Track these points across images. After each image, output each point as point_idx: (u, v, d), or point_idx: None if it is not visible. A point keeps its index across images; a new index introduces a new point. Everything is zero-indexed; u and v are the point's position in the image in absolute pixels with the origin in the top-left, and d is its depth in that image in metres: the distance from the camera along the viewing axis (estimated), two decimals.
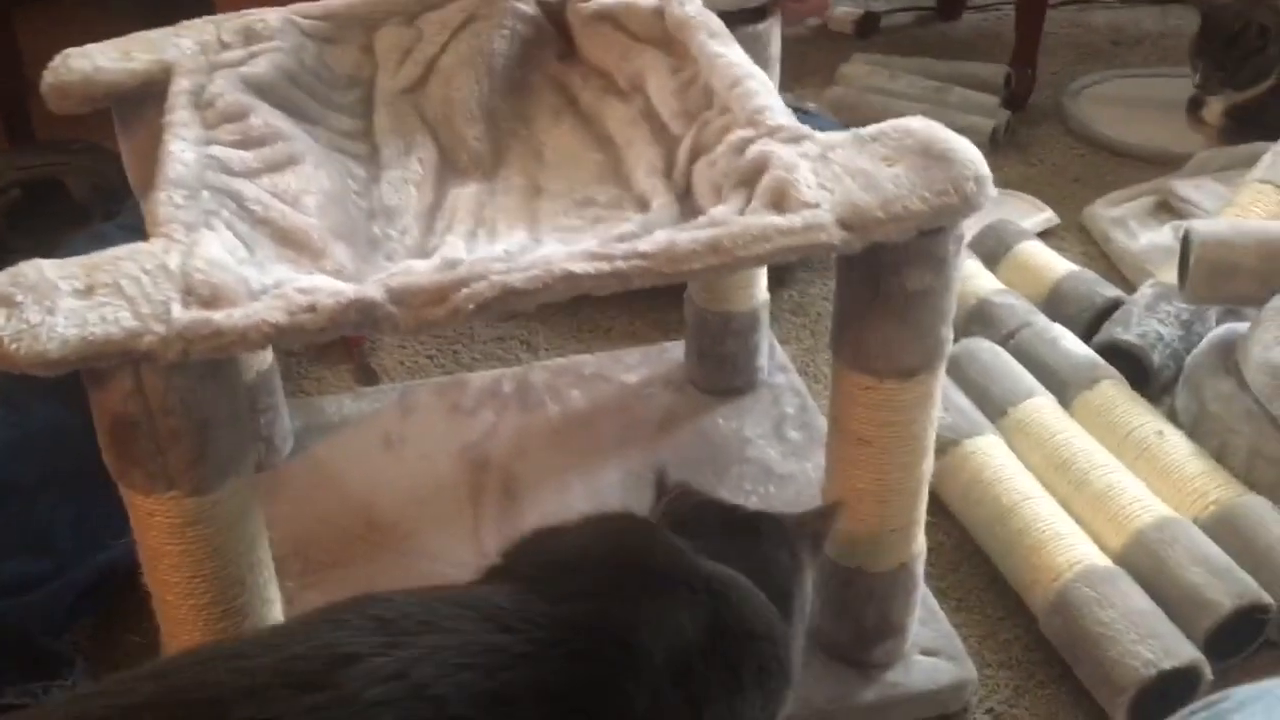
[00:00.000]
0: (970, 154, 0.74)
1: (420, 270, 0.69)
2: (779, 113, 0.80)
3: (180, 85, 0.86)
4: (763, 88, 0.82)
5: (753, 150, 0.76)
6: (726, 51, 0.87)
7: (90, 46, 0.90)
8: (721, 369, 1.22)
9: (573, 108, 0.95)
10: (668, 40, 0.93)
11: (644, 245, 0.69)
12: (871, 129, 0.77)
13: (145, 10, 1.76)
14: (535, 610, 0.60)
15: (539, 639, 0.59)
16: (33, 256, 0.68)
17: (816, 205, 0.71)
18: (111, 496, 0.73)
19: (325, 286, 0.66)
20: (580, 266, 0.68)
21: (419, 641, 0.56)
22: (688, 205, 0.79)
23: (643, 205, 0.80)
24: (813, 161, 0.74)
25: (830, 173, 0.73)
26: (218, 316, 0.64)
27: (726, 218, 0.72)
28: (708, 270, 0.69)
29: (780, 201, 0.72)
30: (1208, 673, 0.94)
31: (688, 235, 0.70)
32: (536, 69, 0.97)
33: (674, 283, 0.70)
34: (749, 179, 0.75)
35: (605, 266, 0.68)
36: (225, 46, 0.91)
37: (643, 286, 0.69)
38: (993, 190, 0.73)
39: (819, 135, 0.77)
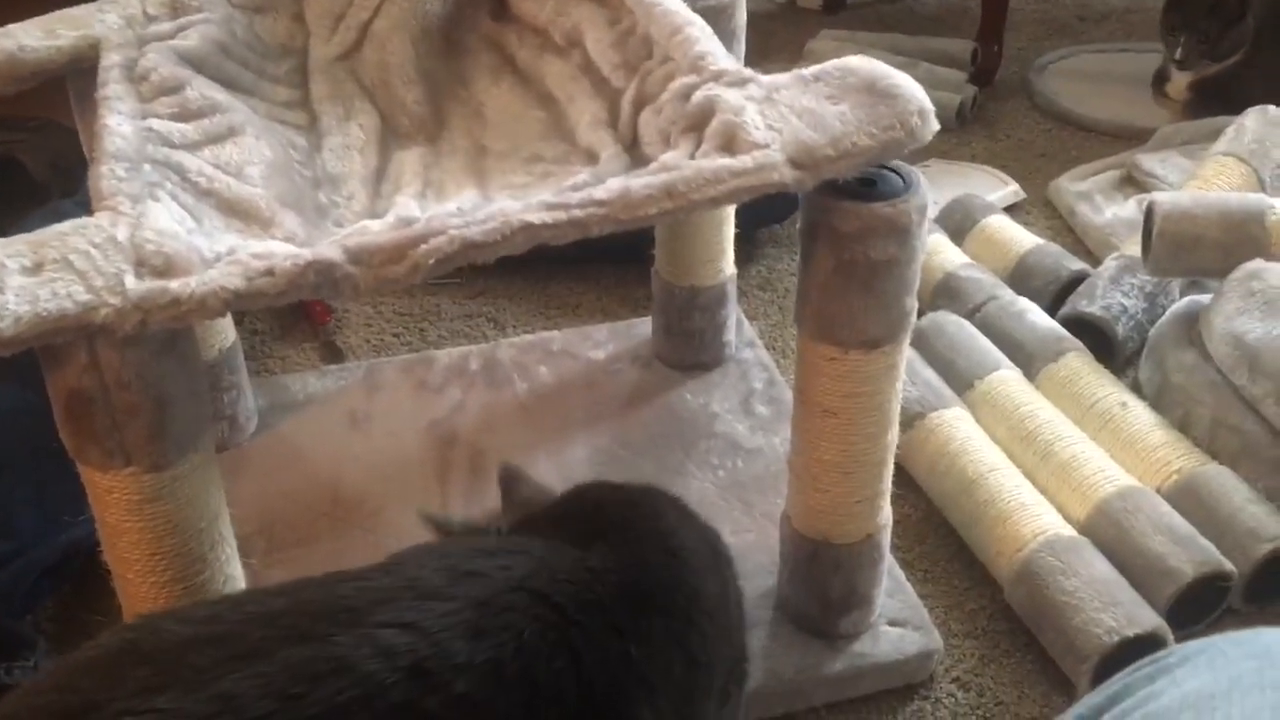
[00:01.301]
0: (913, 88, 0.74)
1: (376, 229, 0.69)
2: (721, 57, 0.80)
3: (111, 60, 0.85)
4: (703, 34, 0.82)
5: (698, 96, 0.76)
6: (663, 0, 0.86)
7: (12, 26, 0.89)
8: (689, 344, 1.22)
9: (510, 66, 0.94)
10: None
11: (599, 193, 0.69)
12: (813, 69, 0.77)
13: None
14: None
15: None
16: None
17: (767, 145, 0.71)
18: (71, 475, 0.72)
19: (281, 250, 0.66)
20: (538, 216, 0.67)
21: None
22: (636, 155, 0.79)
23: (591, 158, 0.80)
24: (759, 103, 0.74)
25: (777, 113, 0.74)
26: (174, 285, 0.63)
27: (679, 162, 0.72)
28: (664, 214, 0.69)
29: (730, 144, 0.72)
30: (1170, 640, 0.95)
31: (642, 181, 0.70)
32: (471, 30, 0.96)
33: (631, 228, 0.69)
34: (697, 124, 0.75)
35: (562, 215, 0.68)
36: (151, 19, 0.90)
37: (601, 234, 0.69)
38: (935, 123, 0.74)
39: (763, 78, 0.78)
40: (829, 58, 2.05)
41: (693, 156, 0.72)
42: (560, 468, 1.10)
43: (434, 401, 1.19)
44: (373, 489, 1.08)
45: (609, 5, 0.91)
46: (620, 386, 1.22)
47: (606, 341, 1.28)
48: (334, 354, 1.33)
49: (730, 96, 0.75)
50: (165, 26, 0.88)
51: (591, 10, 0.91)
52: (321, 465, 1.11)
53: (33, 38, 0.87)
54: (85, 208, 1.07)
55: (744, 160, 0.70)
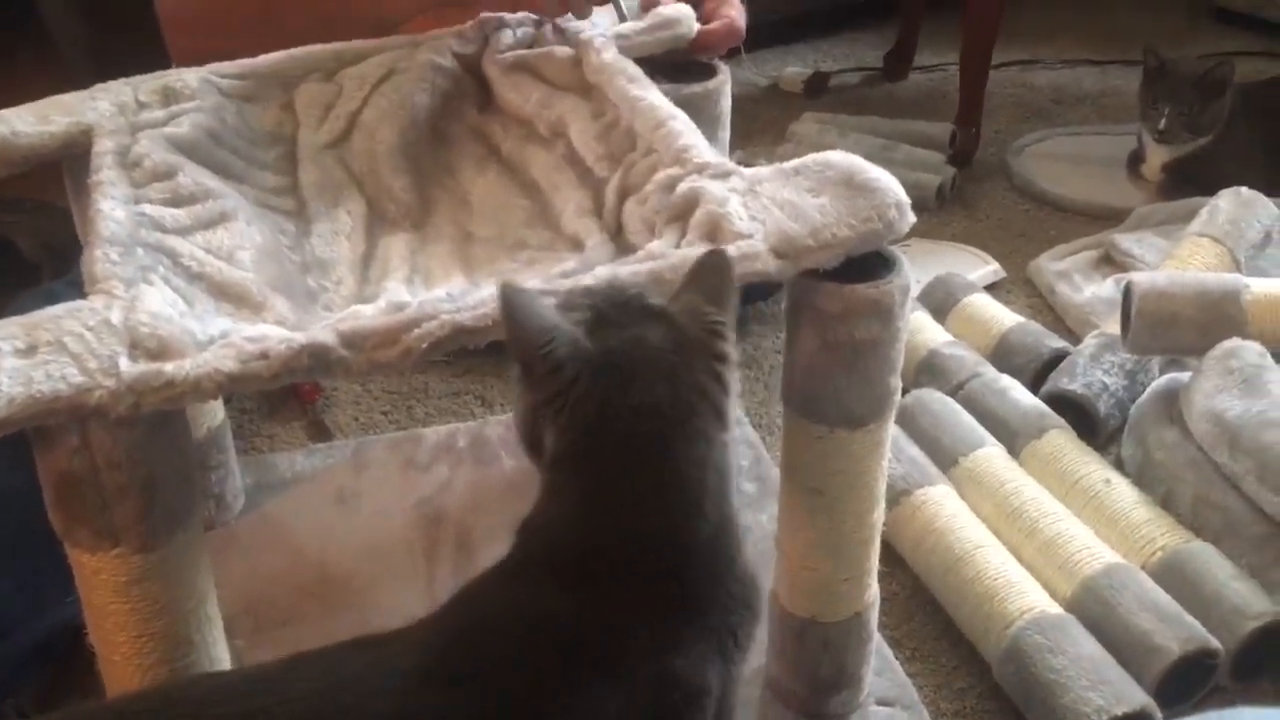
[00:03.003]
0: (890, 182, 0.76)
1: (369, 314, 0.70)
2: (704, 150, 0.82)
3: (104, 146, 0.86)
4: (686, 127, 0.84)
5: (683, 187, 0.78)
6: (646, 94, 0.89)
7: (5, 112, 0.90)
8: None
9: (496, 156, 0.96)
10: (586, 87, 0.95)
11: (588, 280, 0.71)
12: (794, 163, 0.79)
13: (100, 68, 1.77)
14: None
15: None
16: None
17: (750, 236, 0.73)
18: (57, 556, 0.72)
19: (274, 334, 0.67)
20: None
21: None
22: (621, 243, 0.80)
23: (576, 245, 0.81)
24: (742, 195, 0.76)
25: (759, 205, 0.76)
26: (168, 368, 0.64)
27: (664, 251, 0.73)
28: None
29: (715, 234, 0.74)
30: (1159, 718, 0.95)
31: (629, 269, 0.71)
32: (457, 120, 0.98)
33: None
34: (681, 214, 0.77)
35: (552, 301, 0.69)
36: (143, 107, 0.91)
37: None
38: (912, 216, 0.76)
39: (744, 170, 0.79)
40: (812, 139, 2.11)
41: (678, 246, 0.74)
42: None
43: (422, 479, 1.19)
44: (360, 568, 1.07)
45: (593, 99, 0.93)
46: None
47: None
48: (322, 432, 1.34)
49: (714, 188, 0.77)
50: (157, 114, 0.89)
51: (576, 103, 0.93)
52: (309, 544, 1.11)
53: (26, 123, 0.89)
54: (77, 289, 1.08)
55: (728, 250, 0.71)
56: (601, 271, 0.71)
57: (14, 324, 0.65)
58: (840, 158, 0.79)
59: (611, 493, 0.62)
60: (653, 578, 0.62)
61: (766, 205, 0.75)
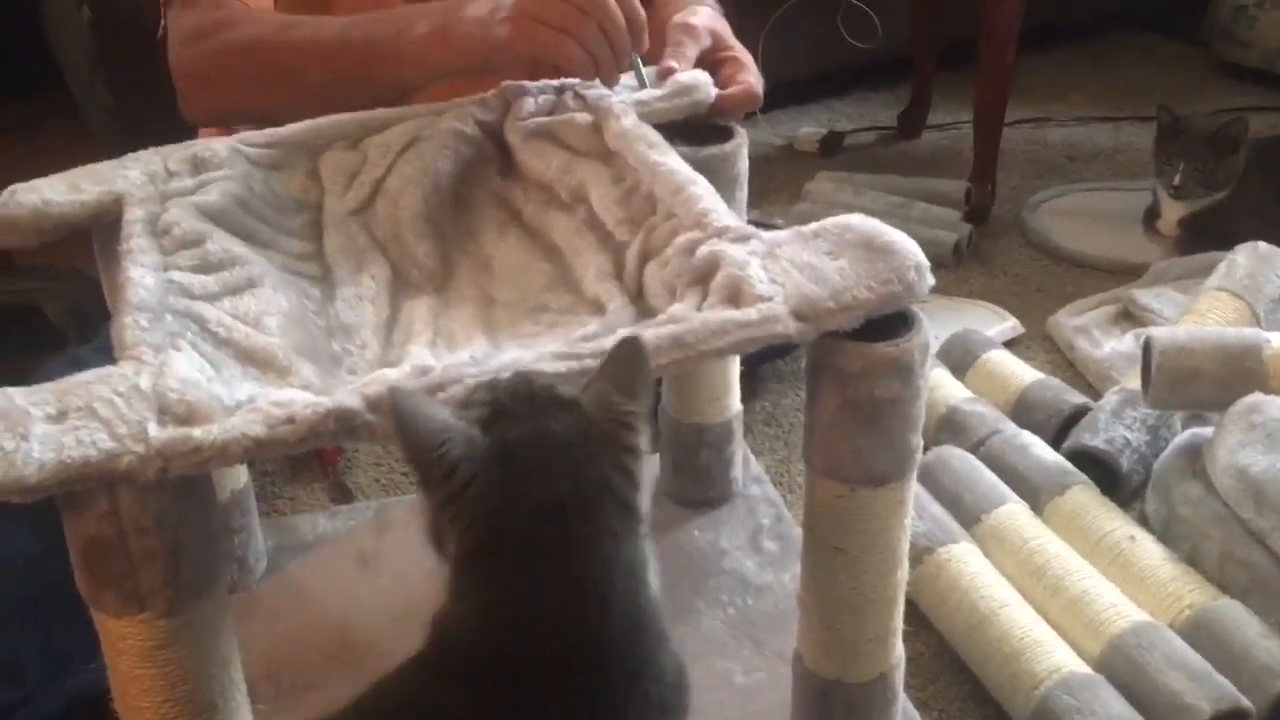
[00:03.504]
0: (909, 245, 0.76)
1: (393, 378, 0.70)
2: (724, 214, 0.83)
3: (134, 214, 0.87)
4: (705, 192, 0.85)
5: (703, 250, 0.78)
6: (666, 160, 0.90)
7: (37, 181, 0.91)
8: (697, 481, 1.23)
9: (517, 221, 0.97)
10: (606, 153, 0.96)
11: (610, 343, 0.71)
12: (812, 226, 0.80)
13: (126, 136, 1.80)
14: None
15: None
16: (7, 382, 0.69)
17: (770, 299, 0.73)
18: (80, 622, 0.72)
19: (300, 399, 0.67)
20: (551, 365, 0.69)
21: None
22: (642, 306, 0.81)
23: (597, 309, 0.82)
24: (762, 258, 0.77)
25: (779, 268, 0.76)
26: (196, 433, 0.64)
27: (686, 314, 0.73)
28: (673, 364, 0.71)
29: (735, 297, 0.74)
30: None
31: (651, 332, 0.71)
32: (479, 186, 0.99)
33: None
34: (702, 277, 0.77)
35: (575, 365, 0.69)
36: (173, 175, 0.93)
37: None
38: (931, 278, 0.76)
39: (764, 234, 0.80)
40: (827, 198, 2.12)
41: (699, 309, 0.74)
42: None
43: None
44: (382, 631, 1.07)
45: (613, 164, 0.94)
46: None
47: None
48: (343, 494, 1.34)
49: (734, 251, 0.77)
50: (187, 183, 0.91)
51: (596, 169, 0.94)
52: (331, 607, 1.10)
53: (57, 192, 0.90)
54: (104, 354, 1.10)
55: (749, 313, 0.72)
56: (623, 335, 0.72)
57: (45, 390, 0.66)
58: (859, 221, 0.79)
59: (513, 594, 0.60)
60: (558, 683, 0.60)
61: (786, 268, 0.76)
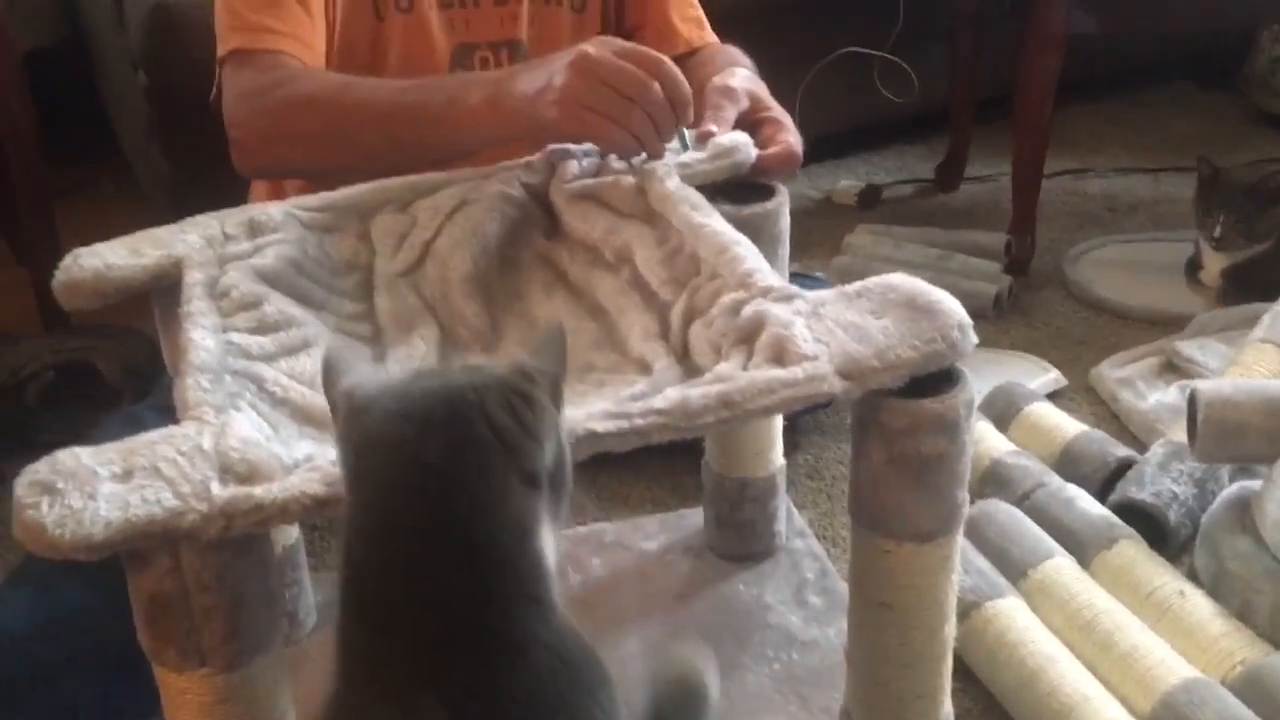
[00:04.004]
0: (952, 304, 0.78)
1: None
2: (767, 274, 0.84)
3: (194, 277, 0.90)
4: (749, 253, 0.86)
5: (748, 310, 0.80)
6: (709, 221, 0.91)
7: (99, 245, 0.94)
8: (740, 535, 1.23)
9: (563, 281, 0.99)
10: (650, 214, 0.97)
11: (659, 402, 0.72)
12: (855, 286, 0.81)
13: (179, 201, 1.84)
14: None
15: None
16: (65, 437, 0.71)
17: (815, 358, 0.74)
18: (136, 677, 0.74)
19: None
20: (601, 425, 0.71)
21: None
22: (688, 365, 0.82)
23: (643, 368, 0.83)
24: (806, 318, 0.78)
25: (824, 327, 0.77)
26: (258, 491, 0.66)
27: (732, 374, 0.75)
28: (720, 423, 0.72)
29: (780, 356, 0.75)
30: None
31: (699, 391, 0.73)
32: (526, 247, 1.01)
33: (689, 437, 0.72)
34: (748, 337, 0.79)
35: (625, 424, 0.71)
36: (230, 239, 0.95)
37: (660, 441, 0.72)
38: (974, 336, 0.77)
39: (808, 294, 0.81)
40: (867, 251, 2.13)
41: (744, 368, 0.75)
42: (614, 662, 1.09)
43: None
44: None
45: (657, 225, 0.96)
46: (673, 578, 1.22)
47: (658, 532, 1.29)
48: None
49: (778, 311, 0.78)
50: (244, 246, 0.93)
51: (640, 230, 0.96)
52: None
53: (119, 256, 0.92)
54: (160, 412, 1.12)
55: (794, 371, 0.73)
56: (671, 393, 0.73)
57: (112, 449, 0.68)
58: (901, 280, 0.80)
59: (380, 506, 0.59)
60: (403, 597, 0.59)
61: (831, 328, 0.77)
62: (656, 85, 0.96)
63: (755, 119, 1.10)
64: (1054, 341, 1.80)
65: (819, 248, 2.10)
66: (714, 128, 1.04)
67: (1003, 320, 1.84)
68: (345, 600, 0.61)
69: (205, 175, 1.79)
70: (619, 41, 1.00)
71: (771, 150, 1.06)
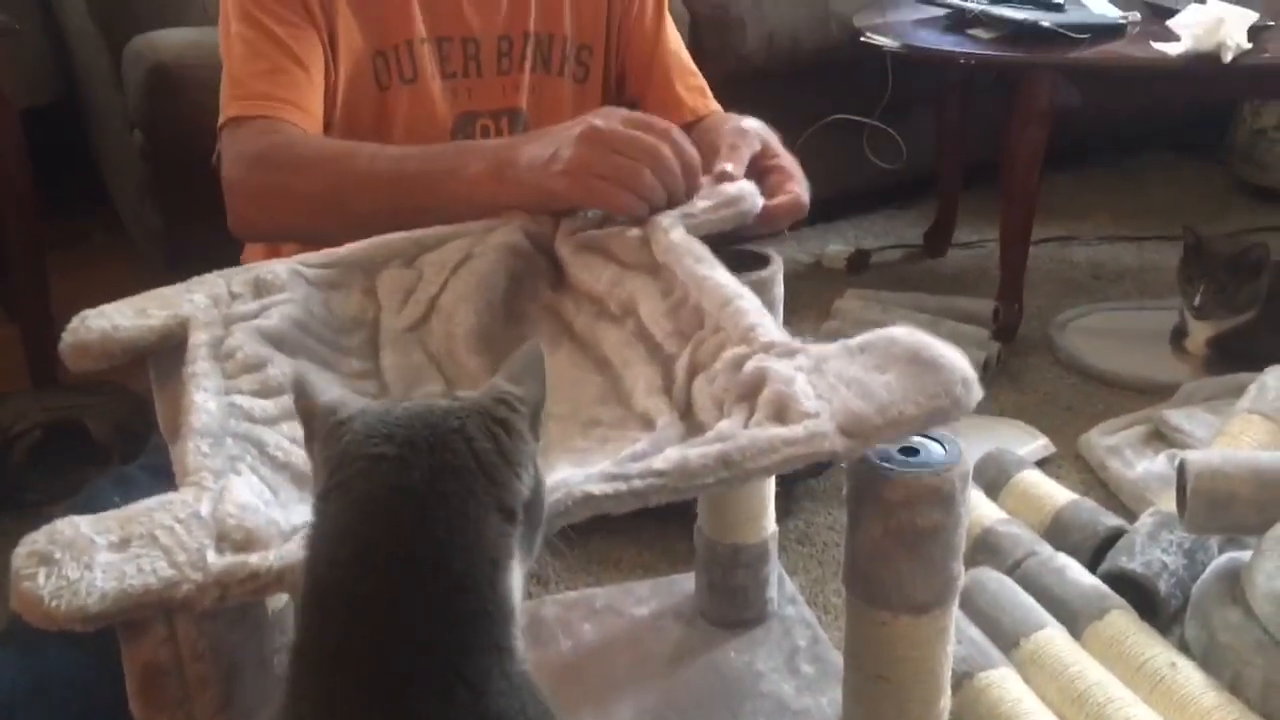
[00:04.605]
0: (956, 359, 0.76)
1: None
2: (770, 329, 0.83)
3: (199, 338, 0.89)
4: (752, 306, 0.86)
5: (750, 366, 0.79)
6: (713, 273, 0.90)
7: (106, 306, 0.93)
8: (732, 601, 1.22)
9: (569, 334, 0.98)
10: (655, 266, 0.96)
11: (658, 463, 0.71)
12: (859, 340, 0.80)
13: (173, 259, 1.85)
14: None
15: None
16: (52, 496, 0.70)
17: (817, 415, 0.73)
18: None
19: None
20: (599, 488, 0.69)
21: None
22: (690, 422, 0.81)
23: (647, 424, 0.82)
24: (808, 374, 0.77)
25: (825, 383, 0.76)
26: (253, 559, 0.65)
27: (733, 432, 0.73)
28: (720, 483, 0.71)
29: (782, 413, 0.74)
30: None
31: (698, 451, 0.71)
32: (531, 299, 1.00)
33: (688, 498, 0.71)
34: (749, 394, 0.77)
35: (623, 486, 0.70)
36: (235, 298, 0.95)
37: (659, 503, 0.71)
38: (979, 392, 0.75)
39: (811, 348, 0.80)
40: (856, 316, 2.14)
41: (746, 425, 0.74)
42: None
43: None
44: None
45: (661, 277, 0.95)
46: (664, 644, 1.21)
47: (649, 598, 1.28)
48: None
49: (780, 367, 0.77)
50: (250, 306, 0.93)
51: (645, 282, 0.95)
52: None
53: (125, 317, 0.92)
54: (151, 473, 1.12)
55: (795, 430, 0.72)
56: (671, 454, 0.72)
57: (110, 518, 0.68)
58: (904, 334, 0.78)
59: (350, 529, 0.57)
60: (362, 630, 0.57)
61: (833, 384, 0.76)
62: (667, 149, 0.97)
63: (764, 166, 1.09)
64: (1042, 408, 1.81)
65: (808, 310, 2.12)
66: (729, 166, 1.04)
67: (991, 386, 1.86)
68: (303, 620, 0.59)
69: (199, 233, 1.80)
70: (624, 111, 1.00)
71: (777, 200, 1.05)
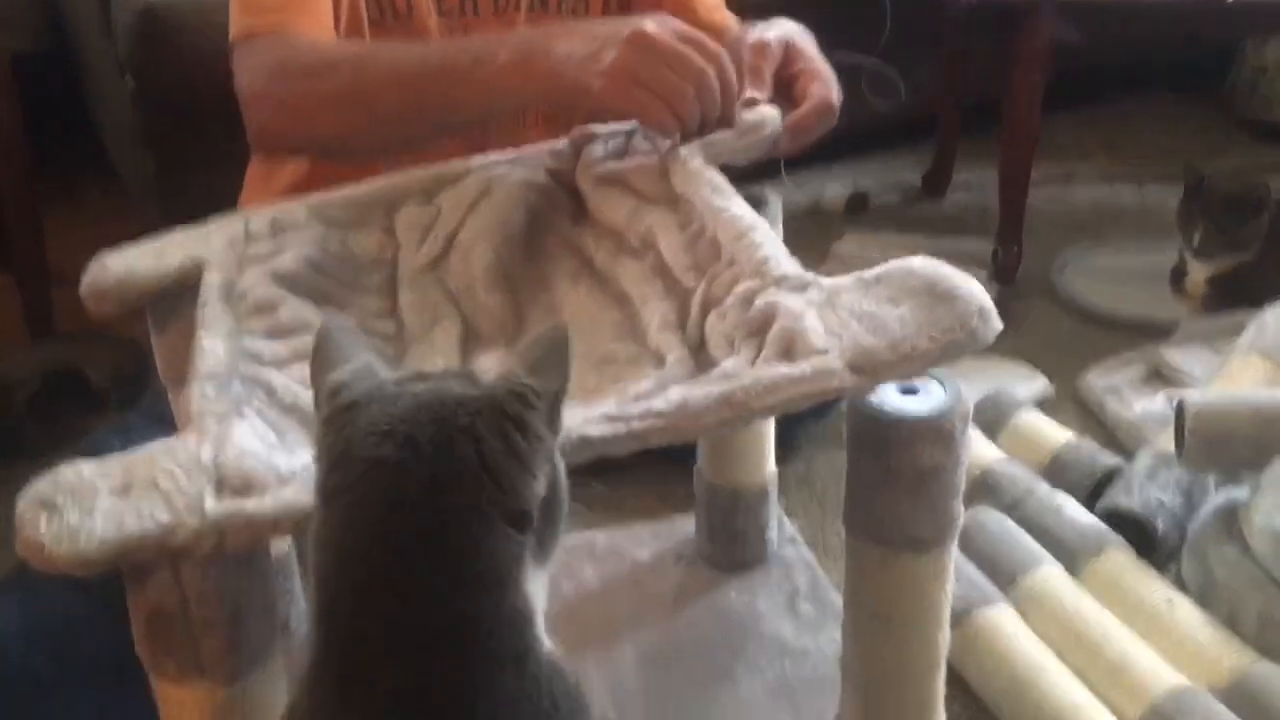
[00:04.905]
0: (974, 289, 0.74)
1: None
2: (783, 261, 0.81)
3: (211, 280, 0.88)
4: (766, 239, 0.84)
5: (760, 301, 0.77)
6: (729, 205, 0.89)
7: (125, 248, 0.92)
8: (732, 544, 1.23)
9: (589, 268, 0.96)
10: (674, 198, 0.95)
11: (658, 404, 0.70)
12: (875, 271, 0.78)
13: (167, 207, 1.84)
14: None
15: None
16: (52, 444, 0.70)
17: (826, 351, 0.71)
18: (127, 687, 0.73)
19: None
20: (597, 430, 0.69)
21: None
22: (702, 358, 0.80)
23: (659, 361, 0.81)
24: (819, 308, 0.75)
25: (837, 318, 0.74)
26: (249, 505, 0.65)
27: (738, 370, 0.72)
28: (723, 424, 0.69)
29: (790, 350, 0.73)
30: None
31: (701, 391, 0.70)
32: (552, 234, 0.98)
33: (689, 440, 0.70)
34: (758, 330, 0.76)
35: (621, 428, 0.69)
36: (253, 239, 0.94)
37: (659, 445, 0.70)
38: (998, 323, 0.73)
39: (824, 281, 0.78)
40: (854, 258, 2.14)
41: (753, 363, 0.73)
42: (608, 671, 1.10)
43: None
44: None
45: (680, 209, 0.93)
46: (665, 586, 1.22)
47: (650, 541, 1.29)
48: None
49: (791, 302, 0.76)
50: (264, 248, 0.91)
51: (664, 215, 0.93)
52: None
53: (143, 259, 0.91)
54: (151, 420, 1.11)
55: (802, 367, 0.71)
56: (673, 394, 0.72)
57: (114, 463, 0.68)
58: (922, 264, 0.76)
59: (350, 530, 0.55)
60: (364, 633, 0.55)
61: (845, 318, 0.74)
62: (713, 74, 0.93)
63: (786, 75, 1.04)
64: (1041, 349, 1.81)
65: (807, 254, 2.07)
66: (756, 94, 1.00)
67: None
68: (313, 633, 0.57)
69: (193, 180, 1.79)
70: (678, 23, 0.96)
71: (802, 111, 1.01)
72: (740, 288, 0.80)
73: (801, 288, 0.78)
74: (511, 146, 1.04)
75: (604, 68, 0.92)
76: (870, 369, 0.71)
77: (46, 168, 1.95)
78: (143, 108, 1.83)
